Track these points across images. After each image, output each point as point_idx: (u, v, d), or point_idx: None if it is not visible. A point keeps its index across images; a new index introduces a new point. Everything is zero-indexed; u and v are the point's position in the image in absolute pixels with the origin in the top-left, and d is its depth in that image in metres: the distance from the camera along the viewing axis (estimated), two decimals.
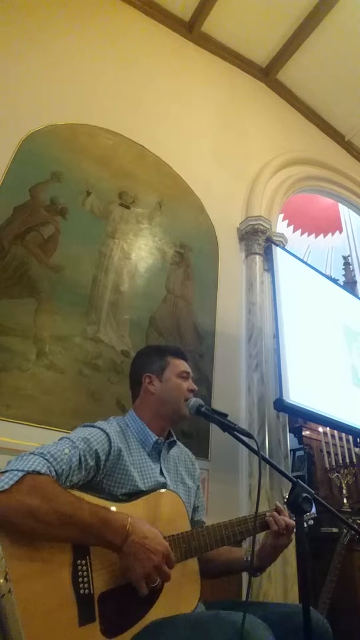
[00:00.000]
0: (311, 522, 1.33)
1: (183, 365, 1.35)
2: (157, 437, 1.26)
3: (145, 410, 1.30)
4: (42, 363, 1.91)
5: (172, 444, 1.34)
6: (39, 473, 0.93)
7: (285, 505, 1.22)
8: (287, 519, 1.21)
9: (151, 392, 1.30)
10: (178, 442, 1.38)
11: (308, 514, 1.28)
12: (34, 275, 2.05)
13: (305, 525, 1.28)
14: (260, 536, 1.26)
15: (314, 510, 1.31)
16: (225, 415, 1.20)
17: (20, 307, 1.95)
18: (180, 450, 1.41)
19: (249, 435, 1.12)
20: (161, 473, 1.24)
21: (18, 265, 2.03)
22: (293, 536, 1.24)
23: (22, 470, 0.91)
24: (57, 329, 2.01)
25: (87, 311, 2.15)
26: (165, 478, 1.23)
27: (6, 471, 0.92)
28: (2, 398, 1.75)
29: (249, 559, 1.22)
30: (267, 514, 1.24)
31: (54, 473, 0.96)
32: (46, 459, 0.97)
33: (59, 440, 1.08)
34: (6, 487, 0.87)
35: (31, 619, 0.83)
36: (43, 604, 0.86)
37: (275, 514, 1.22)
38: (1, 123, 2.30)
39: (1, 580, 0.73)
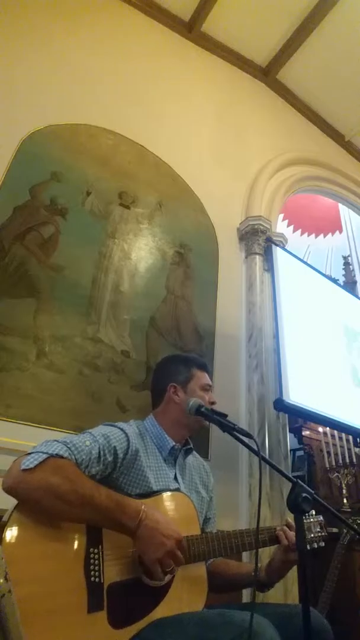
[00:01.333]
0: (322, 543, 1.34)
1: (206, 378, 1.41)
2: (174, 443, 1.29)
3: (166, 417, 1.34)
4: (42, 363, 1.91)
5: (188, 452, 1.37)
6: (61, 457, 0.99)
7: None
8: None
9: (175, 402, 1.34)
10: (194, 452, 1.41)
11: (315, 535, 1.32)
12: (34, 275, 2.05)
13: (316, 545, 1.30)
14: (270, 552, 1.28)
15: (319, 529, 1.33)
16: (225, 415, 1.21)
17: (20, 307, 1.95)
18: (196, 460, 1.43)
19: (249, 436, 1.13)
20: (175, 479, 1.26)
21: (18, 265, 2.03)
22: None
23: (46, 453, 0.98)
24: (57, 329, 2.01)
25: (87, 311, 2.15)
26: (178, 484, 1.25)
27: (32, 452, 0.98)
28: (2, 398, 1.75)
29: (257, 572, 1.23)
30: (278, 528, 1.26)
31: (74, 460, 1.01)
32: (68, 447, 1.02)
33: (81, 433, 1.13)
34: (31, 466, 0.94)
35: (45, 597, 0.86)
36: (57, 584, 0.89)
37: (285, 528, 1.25)
38: (1, 123, 2.30)
39: (1, 580, 0.73)
